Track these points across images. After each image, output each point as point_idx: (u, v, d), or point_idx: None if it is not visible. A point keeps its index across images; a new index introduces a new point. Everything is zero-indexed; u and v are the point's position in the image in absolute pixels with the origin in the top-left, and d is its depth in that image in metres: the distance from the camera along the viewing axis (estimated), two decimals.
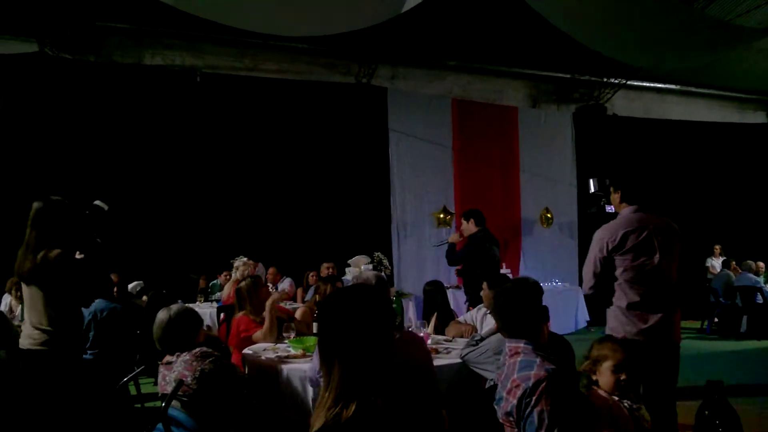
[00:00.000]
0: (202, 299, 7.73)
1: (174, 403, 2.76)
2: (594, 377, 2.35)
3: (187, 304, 6.86)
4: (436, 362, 3.19)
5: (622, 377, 2.29)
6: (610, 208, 4.25)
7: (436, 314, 4.59)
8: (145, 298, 6.43)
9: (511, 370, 2.22)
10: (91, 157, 8.30)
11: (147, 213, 8.46)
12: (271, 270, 8.15)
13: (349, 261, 5.16)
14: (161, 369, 2.91)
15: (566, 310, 10.28)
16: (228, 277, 7.65)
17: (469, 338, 3.32)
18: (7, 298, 5.79)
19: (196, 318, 3.04)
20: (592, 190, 4.87)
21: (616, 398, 2.27)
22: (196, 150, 8.89)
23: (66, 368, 3.25)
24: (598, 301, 3.54)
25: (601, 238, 3.46)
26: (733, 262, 10.17)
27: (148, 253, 8.15)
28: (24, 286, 3.34)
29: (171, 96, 8.82)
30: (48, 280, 3.21)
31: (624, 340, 3.23)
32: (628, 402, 2.26)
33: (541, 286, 2.33)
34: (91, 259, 3.37)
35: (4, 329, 3.86)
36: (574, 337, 9.65)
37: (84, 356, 4.28)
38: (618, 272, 3.40)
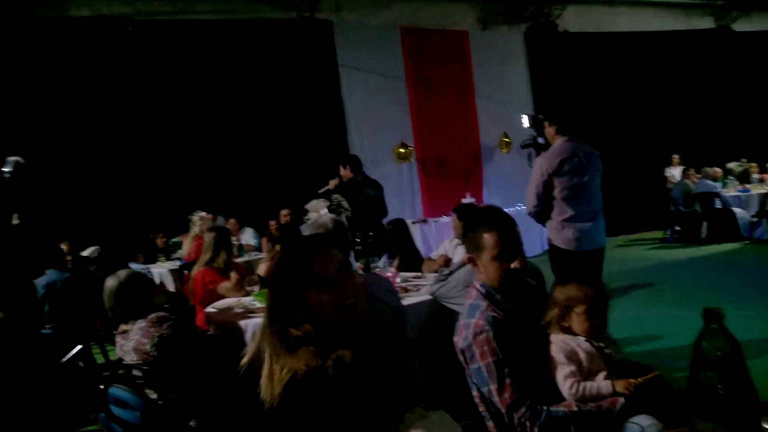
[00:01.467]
0: (164, 259, 7.49)
1: (137, 375, 2.62)
2: (565, 324, 2.05)
3: (148, 265, 6.71)
4: (406, 301, 3.09)
5: (598, 320, 2.03)
6: (540, 140, 4.67)
7: (399, 255, 4.50)
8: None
9: (462, 315, 2.10)
10: (26, 120, 7.80)
11: (92, 175, 8.04)
12: (230, 221, 7.92)
13: (307, 206, 5.00)
14: (117, 338, 2.75)
15: (530, 232, 10.31)
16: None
17: (438, 273, 3.23)
18: None
19: (148, 281, 2.86)
20: (526, 125, 5.24)
21: (583, 338, 2.02)
22: (137, 103, 8.42)
23: (22, 346, 3.08)
24: (540, 218, 4.20)
25: (541, 164, 4.09)
26: (692, 170, 10.29)
27: (101, 217, 7.81)
28: None
29: (103, 48, 8.29)
30: None
31: (558, 248, 4.07)
32: (597, 342, 2.02)
33: (505, 214, 2.14)
34: (28, 222, 3.14)
35: None
36: (540, 259, 9.77)
37: (42, 331, 4.08)
38: (556, 191, 4.05)
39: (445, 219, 9.74)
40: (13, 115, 7.70)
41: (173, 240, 7.78)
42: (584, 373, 1.97)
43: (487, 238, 2.05)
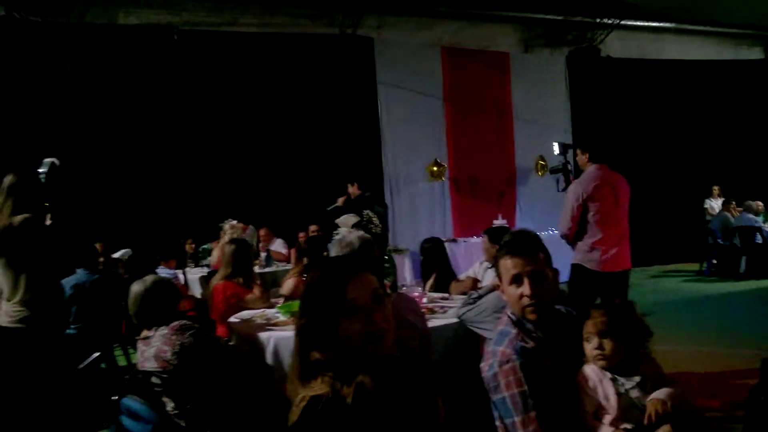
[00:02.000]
0: (193, 264, 7.55)
1: (156, 384, 2.61)
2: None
3: (177, 270, 6.76)
4: (432, 323, 3.03)
5: (591, 346, 1.94)
6: (570, 167, 5.28)
7: (435, 274, 4.43)
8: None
9: (491, 341, 2.03)
10: (69, 123, 8.01)
11: (131, 179, 8.20)
12: (263, 231, 7.95)
13: (337, 221, 4.98)
14: (139, 344, 2.75)
15: (564, 258, 10.11)
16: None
17: (466, 296, 3.15)
18: None
19: (173, 288, 2.87)
20: (557, 152, 5.60)
21: (609, 375, 1.90)
22: (178, 110, 8.55)
23: (46, 346, 3.10)
24: (573, 240, 4.46)
25: (576, 190, 4.39)
26: (733, 203, 10.02)
27: (135, 220, 7.93)
28: None
29: (149, 55, 8.48)
30: (15, 248, 3.03)
31: (585, 269, 4.31)
32: (624, 378, 1.89)
33: (529, 239, 2.07)
34: (60, 224, 3.18)
35: None
36: None
37: (67, 331, 4.11)
38: (589, 215, 4.33)
39: (475, 239, 9.63)
40: (56, 117, 7.92)
41: (203, 246, 7.83)
42: (601, 412, 1.89)
43: (504, 263, 2.01)
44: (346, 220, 4.68)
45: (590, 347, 1.95)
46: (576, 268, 4.42)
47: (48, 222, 3.12)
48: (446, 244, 9.32)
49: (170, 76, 8.53)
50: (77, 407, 2.96)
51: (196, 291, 6.84)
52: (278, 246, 7.84)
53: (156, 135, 8.45)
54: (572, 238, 4.42)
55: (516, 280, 1.97)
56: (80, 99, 8.11)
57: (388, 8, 9.66)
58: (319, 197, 8.66)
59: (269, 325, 3.22)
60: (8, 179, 3.09)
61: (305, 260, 4.00)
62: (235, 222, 7.41)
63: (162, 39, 8.52)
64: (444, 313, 3.27)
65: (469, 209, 10.31)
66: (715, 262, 9.86)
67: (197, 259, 7.73)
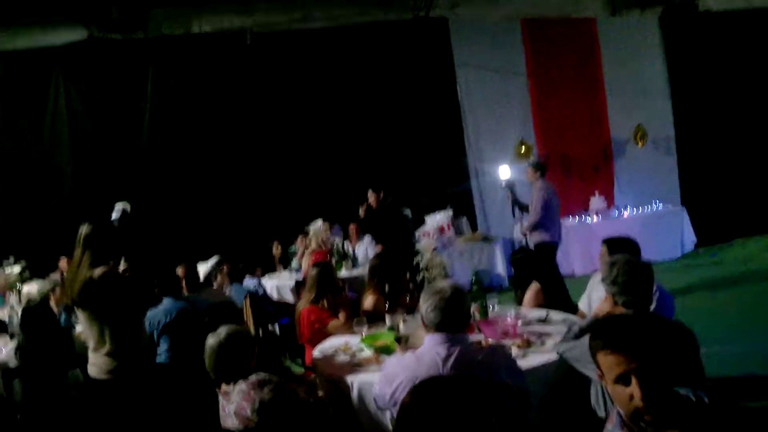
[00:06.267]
0: (282, 268, 7.54)
1: None
2: None
3: (263, 277, 6.71)
4: (529, 362, 2.73)
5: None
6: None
7: (539, 286, 3.89)
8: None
9: None
10: (154, 136, 8.25)
11: (213, 185, 8.36)
12: (352, 227, 7.85)
13: (418, 247, 4.73)
14: (220, 399, 2.65)
15: (670, 233, 9.48)
16: (304, 241, 7.40)
17: (566, 330, 2.79)
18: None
19: (249, 340, 2.73)
20: (508, 176, 7.63)
21: None
22: (255, 112, 8.62)
23: (135, 396, 3.07)
24: (539, 225, 6.58)
25: (541, 194, 6.58)
26: None
27: (220, 227, 8.07)
28: (79, 311, 3.19)
29: (224, 60, 8.54)
30: (98, 302, 3.02)
31: (548, 244, 6.61)
32: None
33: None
34: (136, 268, 3.14)
35: (70, 347, 3.75)
36: (682, 263, 8.89)
37: (159, 360, 4.13)
38: (549, 209, 6.53)
39: (570, 221, 9.14)
40: (137, 130, 8.22)
41: (290, 249, 7.81)
42: None
43: (604, 359, 1.65)
44: (427, 245, 4.41)
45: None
46: (542, 245, 6.58)
47: (122, 267, 3.09)
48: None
49: (246, 79, 8.57)
50: None
51: (287, 295, 6.80)
52: (366, 244, 7.68)
53: (234, 138, 8.56)
54: (539, 224, 6.49)
55: (622, 380, 1.61)
56: (161, 109, 8.31)
57: None
58: (403, 188, 8.43)
59: (352, 365, 3.04)
60: (84, 229, 3.06)
61: (386, 286, 3.81)
62: (320, 222, 7.32)
63: (236, 43, 8.53)
64: (542, 345, 2.95)
65: (562, 188, 9.60)
66: None
67: (286, 262, 7.71)
